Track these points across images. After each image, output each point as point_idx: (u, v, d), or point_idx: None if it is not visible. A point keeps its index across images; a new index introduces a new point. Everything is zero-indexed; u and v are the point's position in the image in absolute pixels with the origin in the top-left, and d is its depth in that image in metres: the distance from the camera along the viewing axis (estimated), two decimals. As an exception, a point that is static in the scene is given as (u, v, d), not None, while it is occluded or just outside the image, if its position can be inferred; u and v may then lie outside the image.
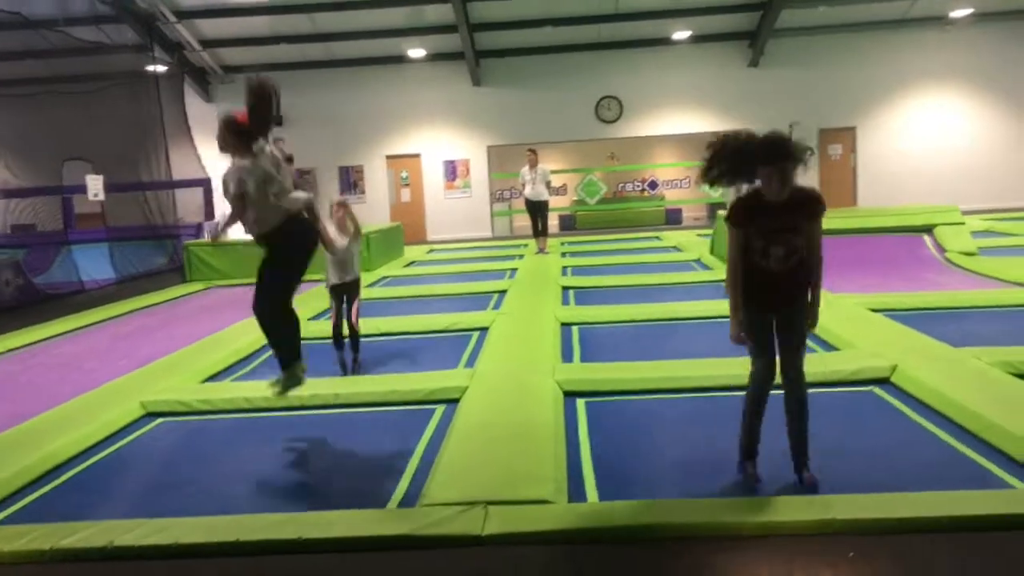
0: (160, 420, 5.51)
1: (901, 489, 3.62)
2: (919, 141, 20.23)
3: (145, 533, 3.45)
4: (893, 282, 9.18)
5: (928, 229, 11.08)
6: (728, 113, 20.45)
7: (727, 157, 3.63)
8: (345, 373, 6.61)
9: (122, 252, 14.91)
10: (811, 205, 3.67)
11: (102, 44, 14.86)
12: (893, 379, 5.30)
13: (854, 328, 6.66)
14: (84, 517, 3.78)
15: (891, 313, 7.33)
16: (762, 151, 3.55)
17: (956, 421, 4.49)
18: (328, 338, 6.86)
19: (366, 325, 7.77)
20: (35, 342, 8.64)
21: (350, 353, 6.72)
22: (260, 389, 5.84)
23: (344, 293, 6.70)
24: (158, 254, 15.81)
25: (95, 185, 13.68)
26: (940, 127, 20.18)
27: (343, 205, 6.62)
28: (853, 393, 5.19)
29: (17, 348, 8.37)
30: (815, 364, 5.20)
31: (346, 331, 6.76)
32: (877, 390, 5.21)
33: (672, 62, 20.38)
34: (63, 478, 4.52)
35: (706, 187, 3.65)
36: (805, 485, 3.74)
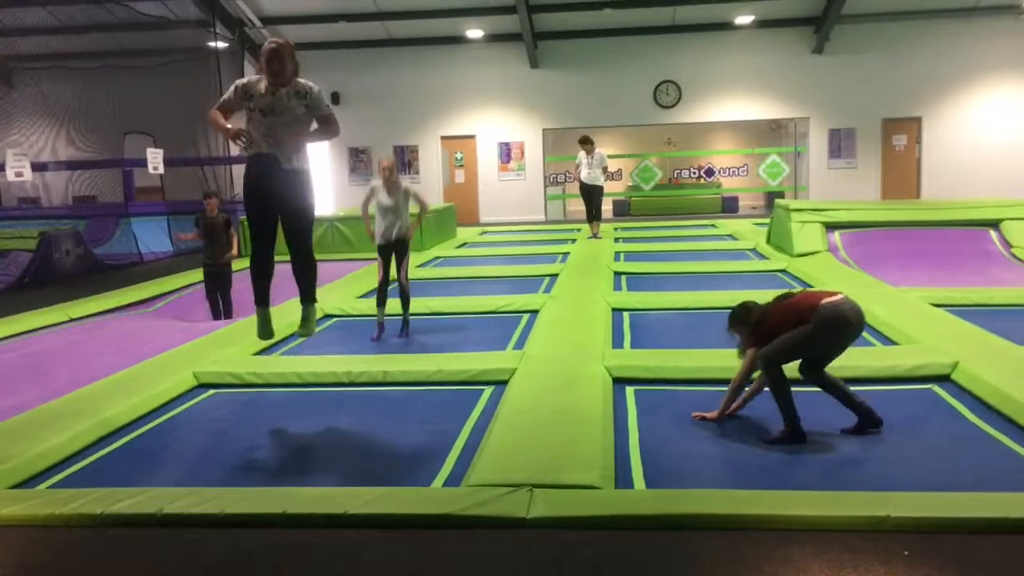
0: (212, 392, 5.59)
1: (959, 489, 3.52)
2: (987, 134, 19.59)
3: (194, 502, 3.49)
4: (956, 276, 8.92)
5: (994, 224, 10.78)
6: (790, 100, 20.06)
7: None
8: (381, 332, 6.98)
9: (180, 225, 15.16)
10: None
11: (165, 19, 15.06)
12: (954, 376, 5.14)
13: (915, 323, 6.48)
14: (135, 484, 3.84)
15: (954, 308, 7.12)
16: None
17: (1018, 422, 4.34)
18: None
19: (417, 304, 7.79)
20: (97, 313, 8.78)
21: (400, 325, 7.05)
22: (309, 364, 5.91)
23: (389, 253, 7.04)
24: (215, 228, 16.01)
25: (155, 159, 13.92)
26: (1009, 120, 19.51)
27: (388, 169, 6.97)
28: (913, 391, 5.05)
29: (81, 318, 8.51)
30: (874, 359, 5.07)
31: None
32: (937, 388, 5.05)
33: (733, 47, 20.01)
34: (116, 445, 4.60)
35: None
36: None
